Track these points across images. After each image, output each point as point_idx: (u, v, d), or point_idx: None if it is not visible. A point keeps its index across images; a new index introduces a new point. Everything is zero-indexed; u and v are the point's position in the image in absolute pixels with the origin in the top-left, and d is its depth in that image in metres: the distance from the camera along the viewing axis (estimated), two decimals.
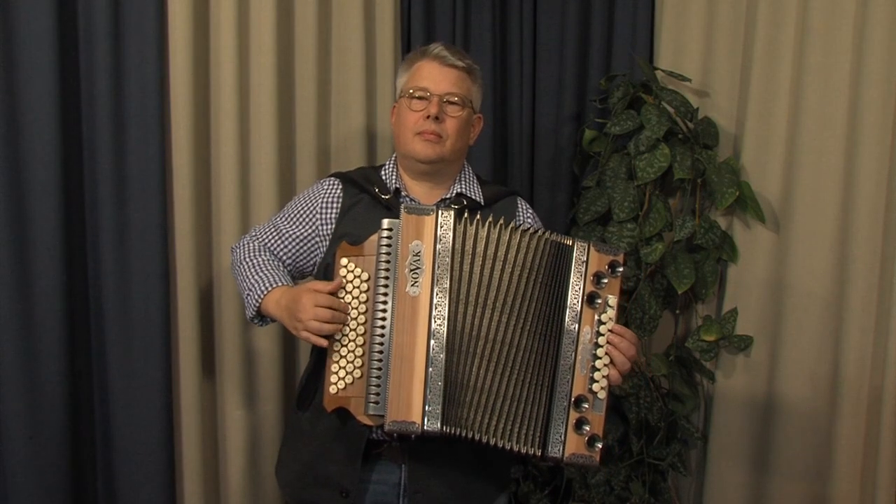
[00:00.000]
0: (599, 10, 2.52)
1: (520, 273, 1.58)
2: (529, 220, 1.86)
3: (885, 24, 2.14)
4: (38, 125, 1.94)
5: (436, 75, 1.74)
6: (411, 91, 1.74)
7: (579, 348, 1.58)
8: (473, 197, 1.80)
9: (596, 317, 1.59)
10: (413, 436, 1.53)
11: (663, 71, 2.42)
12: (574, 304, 1.59)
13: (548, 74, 2.54)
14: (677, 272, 2.30)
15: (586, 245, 1.60)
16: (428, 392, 1.51)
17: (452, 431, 1.53)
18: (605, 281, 1.60)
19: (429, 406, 1.51)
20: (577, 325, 1.58)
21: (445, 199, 1.79)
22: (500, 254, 1.58)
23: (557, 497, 2.46)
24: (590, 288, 1.59)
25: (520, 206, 1.86)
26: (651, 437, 2.39)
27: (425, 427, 1.50)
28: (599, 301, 1.59)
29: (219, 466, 2.26)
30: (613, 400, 2.40)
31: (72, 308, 2.01)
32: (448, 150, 1.74)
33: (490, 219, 1.60)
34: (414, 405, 1.50)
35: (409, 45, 2.38)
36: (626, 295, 2.37)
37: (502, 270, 1.57)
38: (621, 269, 1.61)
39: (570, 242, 1.61)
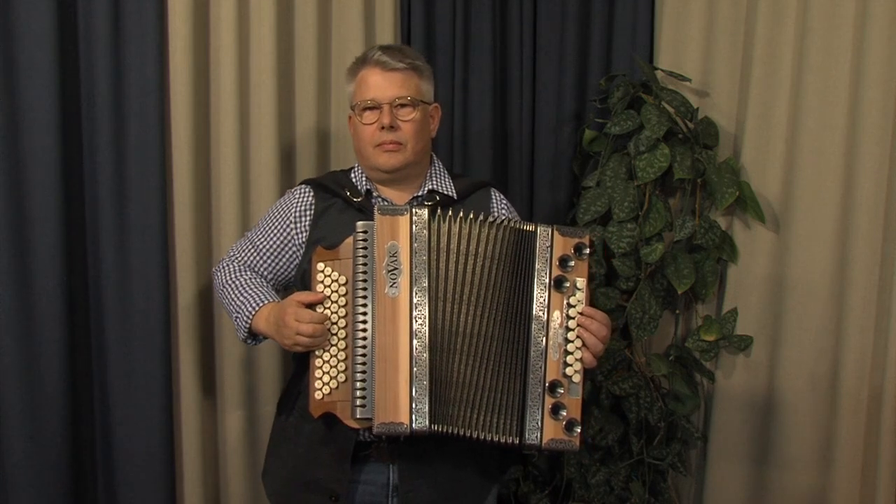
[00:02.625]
0: (599, 10, 2.51)
1: (489, 265, 1.58)
2: (504, 212, 1.85)
3: (885, 24, 2.14)
4: (38, 125, 1.94)
5: (380, 82, 1.71)
6: (359, 104, 1.73)
7: (550, 333, 1.57)
8: (446, 192, 1.79)
9: (565, 300, 1.58)
10: (402, 436, 1.52)
11: (663, 71, 2.42)
12: (541, 289, 1.58)
13: (548, 74, 2.53)
14: (677, 272, 2.30)
15: (549, 229, 1.59)
16: (414, 391, 1.51)
17: (441, 429, 1.52)
18: (572, 264, 1.59)
19: (416, 405, 1.50)
20: (545, 311, 1.57)
21: (418, 196, 1.78)
22: (472, 248, 1.58)
23: (557, 497, 2.46)
24: (556, 272, 1.58)
25: (493, 197, 1.85)
26: (651, 437, 2.39)
27: (414, 427, 1.50)
28: (567, 284, 1.58)
29: (218, 466, 2.26)
30: (613, 400, 2.40)
31: (72, 308, 2.01)
32: (411, 155, 1.73)
33: (461, 214, 1.59)
34: (401, 406, 1.50)
35: (410, 45, 2.38)
36: (626, 295, 2.37)
37: (474, 264, 1.57)
38: (587, 250, 1.60)
39: (532, 228, 1.60)
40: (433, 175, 1.81)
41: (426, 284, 1.54)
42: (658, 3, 2.48)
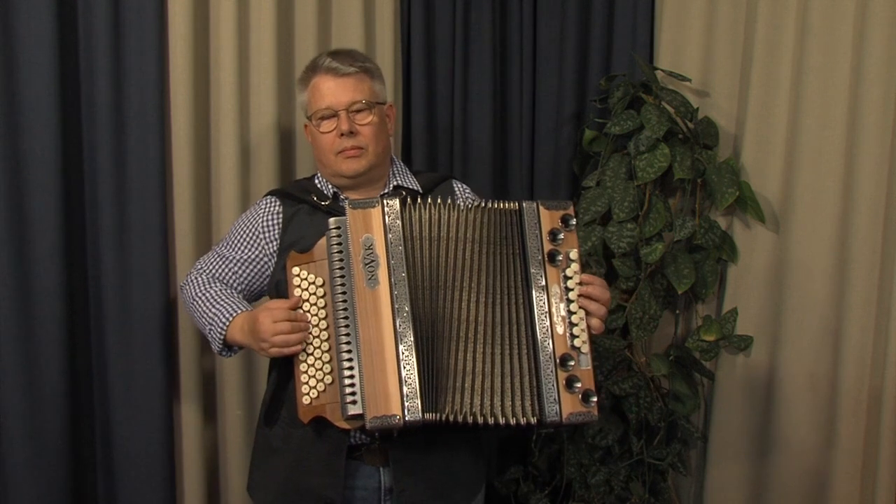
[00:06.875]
0: (599, 10, 2.52)
1: (471, 248, 1.57)
2: (470, 201, 1.85)
3: (885, 24, 2.14)
4: (38, 125, 1.94)
5: (333, 89, 1.72)
6: (315, 113, 1.73)
7: (552, 308, 1.57)
8: (411, 187, 1.80)
9: (561, 273, 1.58)
10: (395, 431, 1.50)
11: (663, 71, 2.42)
12: (535, 266, 1.57)
13: (548, 74, 2.54)
14: (677, 272, 2.30)
15: (534, 204, 1.59)
16: (403, 382, 1.48)
17: (436, 418, 1.51)
18: (562, 237, 1.59)
19: (407, 396, 1.48)
20: (544, 286, 1.57)
21: (384, 194, 1.78)
22: (451, 233, 1.57)
23: (557, 497, 2.46)
24: (548, 247, 1.58)
25: (457, 188, 1.87)
26: (651, 437, 2.39)
27: (407, 418, 1.47)
28: (560, 258, 1.58)
29: (219, 467, 2.26)
30: (613, 400, 2.40)
31: (72, 308, 2.01)
32: (373, 157, 1.73)
33: (430, 199, 1.59)
34: (392, 397, 1.48)
35: (410, 45, 2.38)
36: (626, 295, 2.37)
37: (455, 249, 1.57)
38: (574, 221, 1.60)
39: (514, 206, 1.60)
40: (396, 173, 1.82)
41: (405, 274, 1.52)
42: (658, 3, 2.48)
